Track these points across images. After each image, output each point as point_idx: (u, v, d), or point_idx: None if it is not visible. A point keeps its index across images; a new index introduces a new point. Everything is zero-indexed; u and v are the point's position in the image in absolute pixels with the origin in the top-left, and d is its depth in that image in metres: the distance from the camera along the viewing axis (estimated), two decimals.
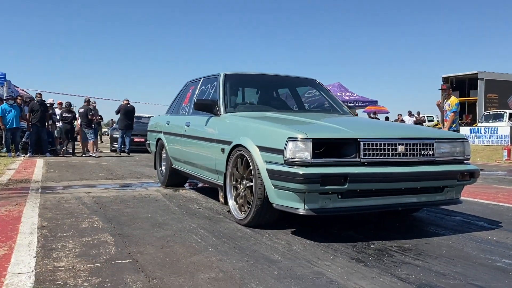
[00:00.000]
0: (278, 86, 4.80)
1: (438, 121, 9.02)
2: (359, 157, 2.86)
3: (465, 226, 3.48)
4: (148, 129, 6.22)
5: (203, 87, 4.64)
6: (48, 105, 12.38)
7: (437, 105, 9.01)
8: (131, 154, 12.11)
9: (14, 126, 10.39)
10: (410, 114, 20.09)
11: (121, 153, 12.10)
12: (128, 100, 12.63)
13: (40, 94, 11.41)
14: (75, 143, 12.45)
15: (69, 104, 12.27)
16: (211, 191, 4.95)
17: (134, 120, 12.89)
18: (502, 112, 19.34)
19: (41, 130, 10.77)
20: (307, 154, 2.76)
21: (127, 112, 12.31)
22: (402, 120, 18.30)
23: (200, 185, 5.62)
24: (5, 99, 10.94)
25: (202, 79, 4.79)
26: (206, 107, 4.00)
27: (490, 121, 19.12)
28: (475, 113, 23.60)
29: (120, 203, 4.23)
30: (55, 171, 7.37)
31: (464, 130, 18.02)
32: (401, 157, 2.98)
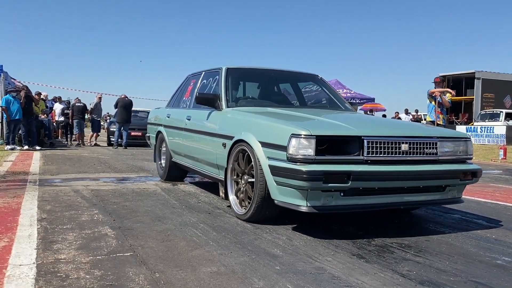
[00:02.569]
0: (280, 81, 4.78)
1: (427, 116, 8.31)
2: (363, 155, 2.85)
3: (464, 224, 3.50)
4: (148, 121, 6.20)
5: (205, 81, 4.63)
6: (43, 98, 12.45)
7: (432, 95, 7.62)
8: (128, 148, 12.07)
9: (18, 117, 10.33)
10: (406, 112, 20.15)
11: (118, 147, 12.07)
12: (125, 95, 12.62)
13: (26, 86, 11.39)
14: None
15: (68, 102, 12.50)
16: (210, 186, 4.95)
17: (131, 114, 12.86)
18: (498, 112, 19.46)
19: (30, 122, 10.69)
20: (310, 151, 2.75)
21: (125, 105, 12.27)
22: (399, 118, 18.35)
23: (197, 179, 5.61)
24: (8, 91, 10.89)
25: (203, 72, 4.78)
26: (208, 101, 3.99)
27: (486, 120, 19.23)
28: (471, 112, 23.73)
29: (119, 197, 4.22)
30: (52, 163, 7.33)
31: (461, 129, 18.10)
32: (404, 155, 2.98)
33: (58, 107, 14.36)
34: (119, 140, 12.25)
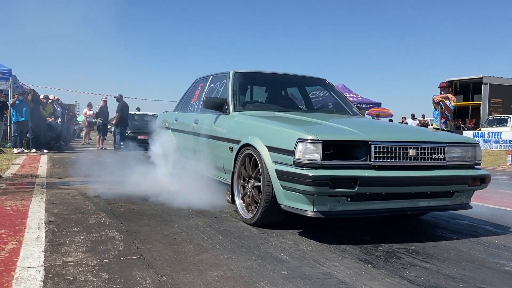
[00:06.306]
0: (287, 85, 4.78)
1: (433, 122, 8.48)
2: (370, 160, 2.84)
3: (472, 229, 3.48)
4: (155, 125, 6.23)
5: (212, 85, 4.65)
6: (50, 101, 12.59)
7: (437, 101, 7.63)
8: (134, 151, 12.11)
9: (24, 119, 10.42)
10: (413, 117, 20.08)
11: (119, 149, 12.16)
12: (121, 95, 12.64)
13: (33, 90, 11.53)
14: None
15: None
16: (216, 189, 4.93)
17: (138, 117, 12.93)
18: (506, 117, 19.28)
19: (38, 125, 10.77)
20: (317, 156, 2.75)
21: (121, 109, 12.35)
22: (406, 123, 18.28)
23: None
24: (16, 94, 11.02)
25: (211, 76, 4.79)
26: (215, 105, 4.00)
27: (494, 125, 19.08)
28: (478, 118, 23.55)
29: (126, 200, 4.23)
30: (59, 167, 7.38)
31: (468, 135, 17.99)
32: (411, 161, 2.97)
33: None
34: (121, 143, 12.34)
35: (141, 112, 15.24)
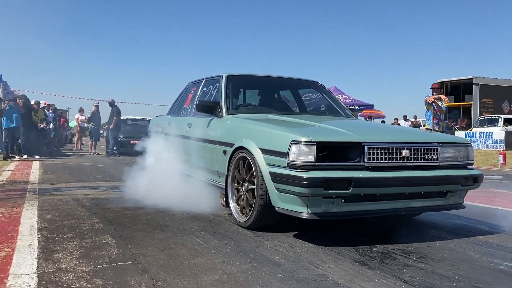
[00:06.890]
0: (280, 88, 4.80)
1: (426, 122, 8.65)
2: (363, 161, 2.85)
3: (466, 229, 3.50)
4: (148, 129, 6.21)
5: (205, 88, 4.64)
6: (41, 106, 12.48)
7: (429, 102, 7.74)
8: (126, 156, 12.06)
9: (15, 125, 10.34)
10: (405, 118, 20.19)
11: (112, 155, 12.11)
12: (113, 100, 12.62)
13: (24, 96, 11.46)
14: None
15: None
16: (210, 193, 4.92)
17: (131, 122, 12.88)
18: (497, 117, 19.51)
19: (29, 131, 10.69)
20: (310, 158, 2.75)
21: (118, 113, 12.34)
22: (398, 124, 18.37)
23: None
24: (7, 100, 10.93)
25: (204, 80, 4.79)
26: (208, 108, 4.00)
27: (485, 125, 19.27)
28: (470, 118, 23.76)
29: (119, 205, 4.20)
30: (51, 173, 7.32)
31: (459, 135, 18.12)
32: (405, 161, 2.98)
33: None
34: (114, 148, 12.29)
35: (133, 117, 15.19)
